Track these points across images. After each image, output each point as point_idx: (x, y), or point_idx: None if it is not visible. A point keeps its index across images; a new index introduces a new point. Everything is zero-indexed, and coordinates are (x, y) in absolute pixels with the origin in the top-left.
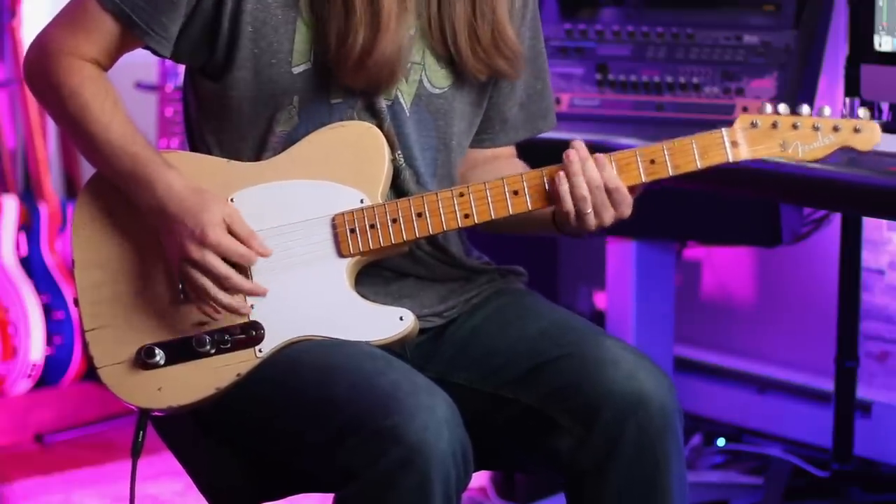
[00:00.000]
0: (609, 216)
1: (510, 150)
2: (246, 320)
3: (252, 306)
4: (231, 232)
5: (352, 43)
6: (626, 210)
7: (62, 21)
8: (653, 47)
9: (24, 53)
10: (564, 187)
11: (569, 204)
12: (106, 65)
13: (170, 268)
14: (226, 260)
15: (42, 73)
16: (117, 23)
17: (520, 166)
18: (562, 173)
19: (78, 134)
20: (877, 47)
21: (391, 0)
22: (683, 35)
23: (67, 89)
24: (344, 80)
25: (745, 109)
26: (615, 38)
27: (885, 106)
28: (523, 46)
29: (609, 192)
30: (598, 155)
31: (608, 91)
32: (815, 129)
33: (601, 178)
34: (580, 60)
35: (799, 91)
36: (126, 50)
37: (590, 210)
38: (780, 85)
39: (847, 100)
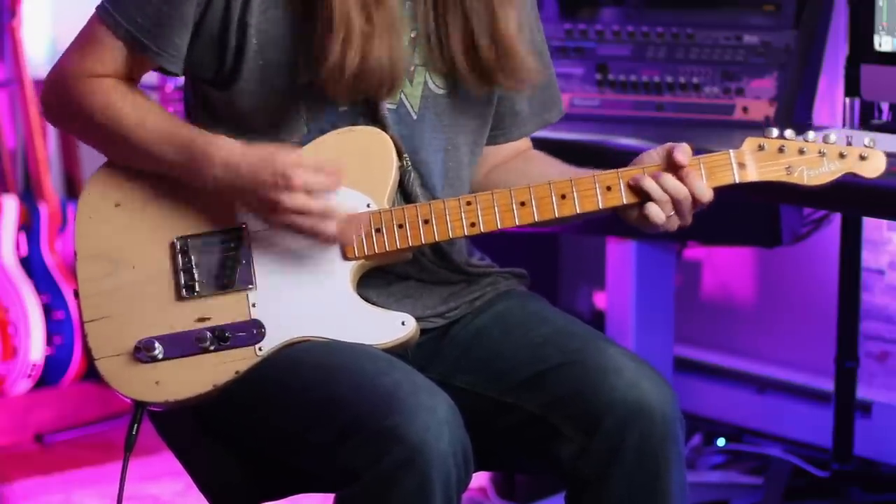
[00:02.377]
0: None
1: (527, 143)
2: (247, 318)
3: (254, 305)
4: (305, 167)
5: (329, 61)
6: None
7: (75, 49)
8: (653, 47)
9: (42, 88)
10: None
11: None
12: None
13: (173, 264)
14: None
15: (64, 100)
16: (129, 48)
17: (548, 160)
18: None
19: (117, 144)
20: (877, 47)
21: (360, 20)
22: (683, 35)
23: (94, 107)
24: (331, 96)
25: (745, 110)
26: (615, 38)
27: (885, 106)
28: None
29: (696, 202)
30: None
31: (608, 91)
32: (821, 154)
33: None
34: (580, 60)
35: (799, 91)
36: (142, 71)
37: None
38: (780, 85)
39: (847, 100)
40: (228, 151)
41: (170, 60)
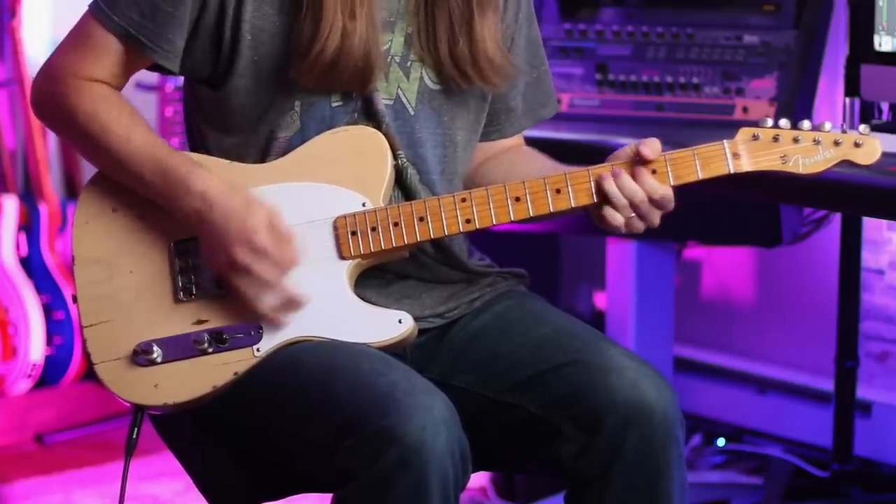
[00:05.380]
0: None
1: (519, 139)
2: (245, 319)
3: None
4: (272, 231)
5: (307, 53)
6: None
7: (67, 46)
8: (653, 47)
9: (32, 83)
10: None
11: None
12: (117, 85)
13: (171, 267)
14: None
15: (53, 99)
16: (123, 43)
17: (537, 156)
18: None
19: (99, 153)
20: (877, 47)
21: (344, 15)
22: (683, 35)
23: (82, 111)
24: (301, 83)
25: (745, 110)
26: (615, 38)
27: (885, 106)
28: (517, 48)
29: (653, 201)
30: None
31: (608, 91)
32: (816, 142)
33: (643, 190)
34: (580, 60)
35: (799, 91)
36: (135, 69)
37: (632, 215)
38: (780, 85)
39: (847, 100)
40: (206, 185)
41: (165, 57)
